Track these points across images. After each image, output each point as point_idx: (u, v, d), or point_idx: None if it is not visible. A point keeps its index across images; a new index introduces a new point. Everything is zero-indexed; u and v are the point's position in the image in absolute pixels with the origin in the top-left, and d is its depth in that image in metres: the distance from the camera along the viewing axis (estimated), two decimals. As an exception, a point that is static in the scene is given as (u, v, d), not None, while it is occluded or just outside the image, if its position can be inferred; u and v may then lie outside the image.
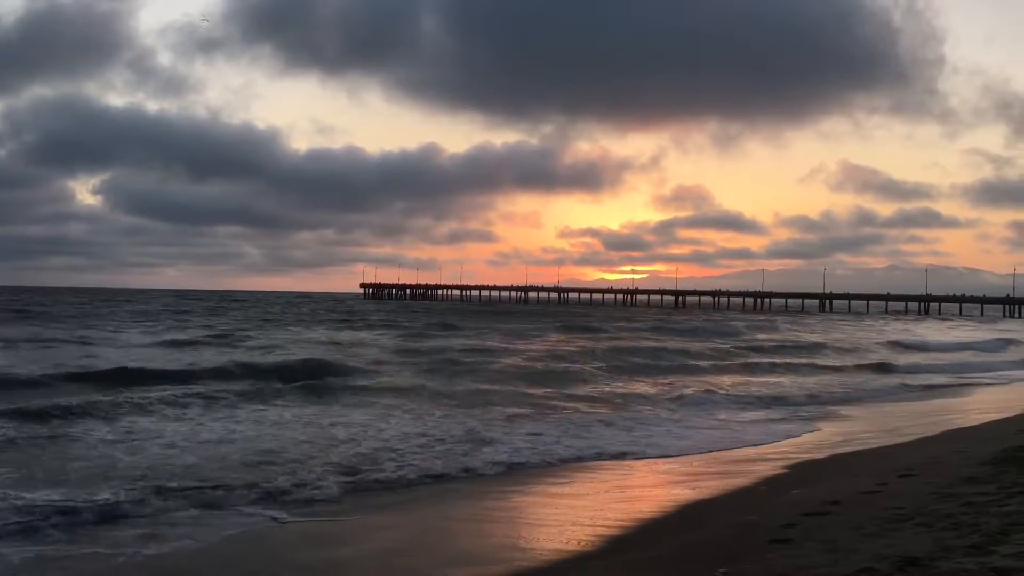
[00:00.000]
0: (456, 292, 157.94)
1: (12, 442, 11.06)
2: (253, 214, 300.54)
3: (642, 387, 20.15)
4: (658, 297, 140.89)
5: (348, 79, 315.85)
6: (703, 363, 27.10)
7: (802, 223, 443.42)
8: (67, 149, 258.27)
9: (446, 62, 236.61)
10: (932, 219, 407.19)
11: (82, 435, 11.74)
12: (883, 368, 28.14)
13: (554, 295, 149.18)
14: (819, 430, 14.68)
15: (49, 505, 8.03)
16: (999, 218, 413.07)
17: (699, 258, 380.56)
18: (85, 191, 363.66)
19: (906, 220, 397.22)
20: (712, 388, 20.02)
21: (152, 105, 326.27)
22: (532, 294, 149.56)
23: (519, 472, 10.69)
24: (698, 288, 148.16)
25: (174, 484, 9.04)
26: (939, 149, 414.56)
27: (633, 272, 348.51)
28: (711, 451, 12.38)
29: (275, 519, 8.14)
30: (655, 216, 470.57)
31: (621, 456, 11.87)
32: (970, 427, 14.36)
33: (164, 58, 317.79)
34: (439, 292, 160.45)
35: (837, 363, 28.97)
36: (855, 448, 12.38)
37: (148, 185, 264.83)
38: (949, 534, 5.98)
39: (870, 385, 23.03)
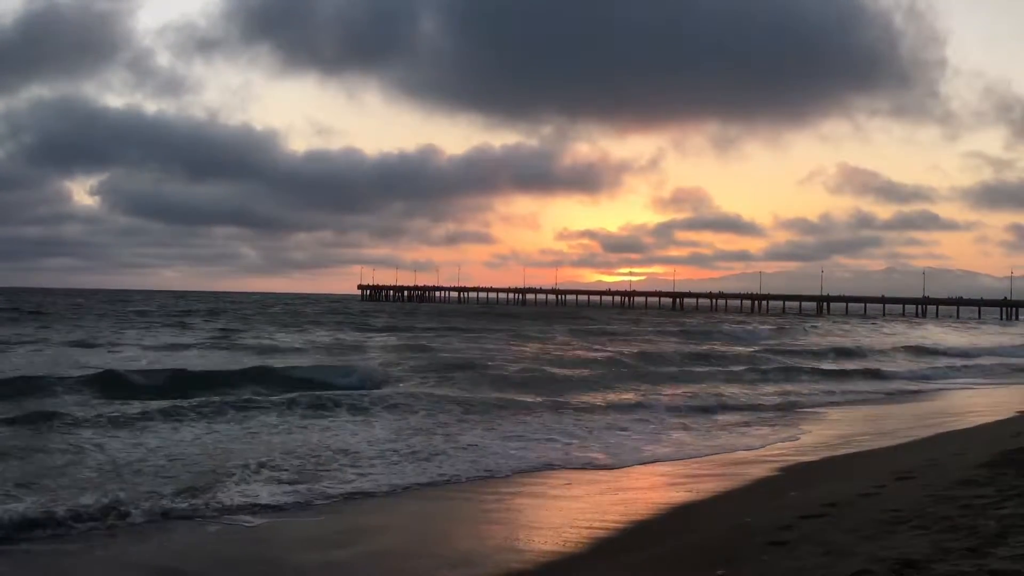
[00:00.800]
0: (454, 294, 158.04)
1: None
2: (251, 215, 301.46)
3: (667, 393, 19.80)
4: (656, 299, 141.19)
5: (347, 80, 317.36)
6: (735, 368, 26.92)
7: (801, 225, 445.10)
8: (65, 149, 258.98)
9: (445, 63, 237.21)
10: (931, 222, 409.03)
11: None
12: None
13: (552, 297, 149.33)
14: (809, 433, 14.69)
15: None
16: (998, 221, 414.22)
17: (697, 260, 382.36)
18: (83, 192, 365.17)
19: (905, 223, 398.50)
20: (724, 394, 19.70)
21: (150, 106, 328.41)
22: (529, 296, 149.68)
23: (520, 474, 10.71)
24: (696, 290, 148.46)
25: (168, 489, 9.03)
26: (939, 151, 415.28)
27: (631, 274, 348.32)
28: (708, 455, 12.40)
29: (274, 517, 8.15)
30: (654, 218, 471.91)
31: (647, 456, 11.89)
32: (967, 429, 14.38)
33: (162, 58, 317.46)
34: (437, 294, 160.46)
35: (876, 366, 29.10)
36: (853, 450, 12.42)
37: (146, 186, 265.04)
38: (946, 536, 5.99)
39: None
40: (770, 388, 21.88)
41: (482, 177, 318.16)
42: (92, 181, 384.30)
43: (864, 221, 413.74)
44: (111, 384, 17.45)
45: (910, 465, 9.86)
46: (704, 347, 35.37)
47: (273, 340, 33.63)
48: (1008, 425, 14.15)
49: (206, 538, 7.59)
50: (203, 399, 14.95)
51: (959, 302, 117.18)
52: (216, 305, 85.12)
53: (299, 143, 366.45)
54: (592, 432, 13.99)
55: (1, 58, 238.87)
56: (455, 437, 12.85)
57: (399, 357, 25.99)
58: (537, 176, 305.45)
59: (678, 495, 9.42)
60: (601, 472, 10.94)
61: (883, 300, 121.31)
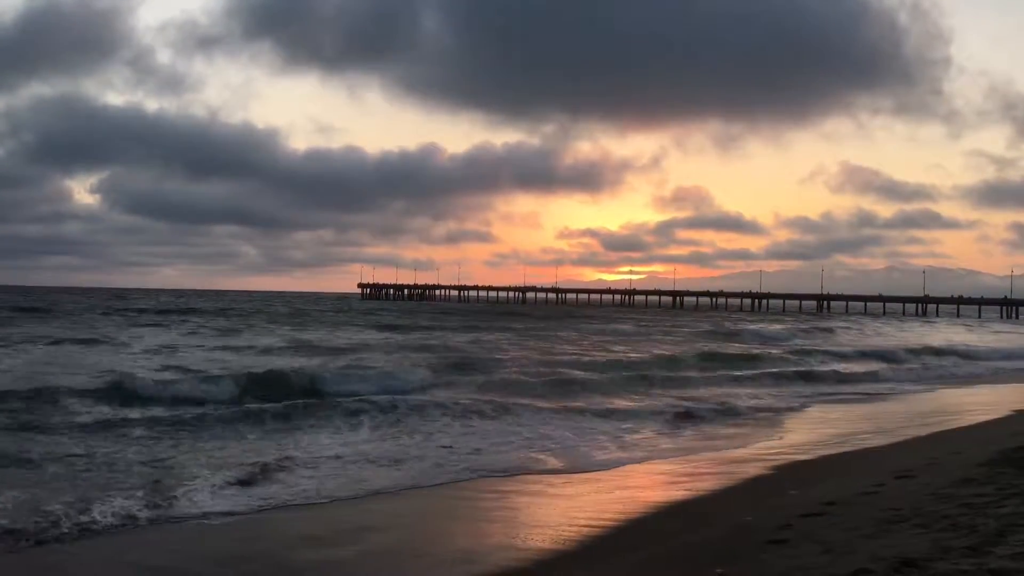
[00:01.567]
0: (454, 292, 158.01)
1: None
2: (251, 214, 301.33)
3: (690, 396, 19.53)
4: (656, 298, 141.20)
5: (348, 78, 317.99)
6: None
7: (802, 224, 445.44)
8: (65, 148, 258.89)
9: (447, 61, 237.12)
10: (932, 220, 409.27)
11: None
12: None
13: (552, 296, 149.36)
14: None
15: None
16: (999, 219, 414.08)
17: (698, 259, 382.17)
18: (83, 190, 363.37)
19: (906, 221, 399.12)
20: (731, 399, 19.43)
21: (151, 103, 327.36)
22: (529, 295, 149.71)
23: (520, 473, 10.71)
24: (696, 289, 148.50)
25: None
26: (941, 150, 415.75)
27: (631, 273, 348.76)
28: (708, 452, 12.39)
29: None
30: (654, 217, 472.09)
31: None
32: (967, 428, 14.37)
33: (163, 56, 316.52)
34: (437, 292, 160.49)
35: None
36: (854, 448, 12.42)
37: (146, 184, 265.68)
38: (946, 535, 5.99)
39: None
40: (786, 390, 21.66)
41: (483, 176, 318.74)
42: (92, 179, 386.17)
43: (865, 220, 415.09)
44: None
45: (909, 463, 9.86)
46: (732, 348, 34.81)
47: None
48: (1006, 424, 14.15)
49: (206, 537, 7.60)
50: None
51: (959, 301, 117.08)
52: (223, 304, 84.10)
53: (300, 141, 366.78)
54: (592, 432, 13.98)
55: (1, 56, 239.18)
56: (461, 439, 12.86)
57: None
58: (538, 175, 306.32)
59: (677, 494, 9.42)
60: (601, 472, 10.93)
61: (882, 299, 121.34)
